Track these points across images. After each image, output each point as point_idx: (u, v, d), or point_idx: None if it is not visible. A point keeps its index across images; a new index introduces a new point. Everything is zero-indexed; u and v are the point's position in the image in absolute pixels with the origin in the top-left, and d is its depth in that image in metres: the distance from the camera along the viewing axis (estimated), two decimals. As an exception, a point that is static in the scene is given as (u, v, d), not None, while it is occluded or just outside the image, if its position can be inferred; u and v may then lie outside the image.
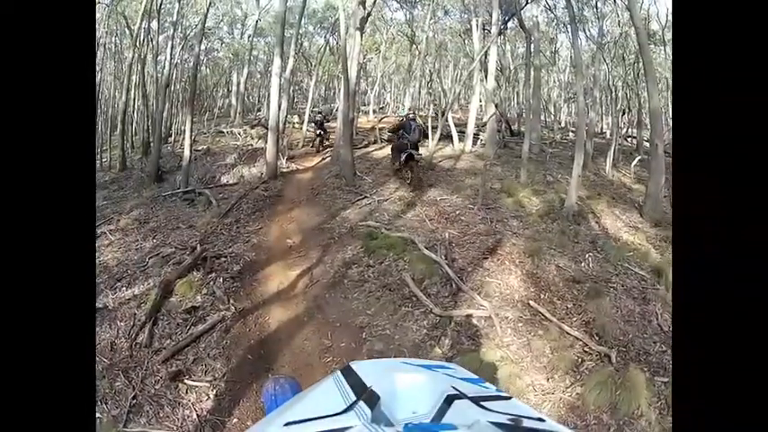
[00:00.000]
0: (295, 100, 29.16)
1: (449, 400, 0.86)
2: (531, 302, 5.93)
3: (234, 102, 25.85)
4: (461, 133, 16.10)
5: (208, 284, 6.47)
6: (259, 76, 30.04)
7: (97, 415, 4.26)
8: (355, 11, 12.57)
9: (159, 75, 18.09)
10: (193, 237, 8.27)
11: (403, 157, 10.44)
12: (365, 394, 0.86)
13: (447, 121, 15.66)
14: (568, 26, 15.22)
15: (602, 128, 23.80)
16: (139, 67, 16.71)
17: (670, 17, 17.74)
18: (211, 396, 4.67)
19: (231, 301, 6.19)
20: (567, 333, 5.40)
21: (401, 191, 10.48)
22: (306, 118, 19.79)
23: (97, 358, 4.88)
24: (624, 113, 21.26)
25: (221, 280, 6.64)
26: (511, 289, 6.34)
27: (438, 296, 6.17)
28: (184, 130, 13.51)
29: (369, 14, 13.62)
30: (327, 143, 16.65)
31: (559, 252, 7.24)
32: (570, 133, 21.57)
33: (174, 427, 4.32)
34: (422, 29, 19.33)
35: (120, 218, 9.68)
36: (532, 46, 15.76)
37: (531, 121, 14.90)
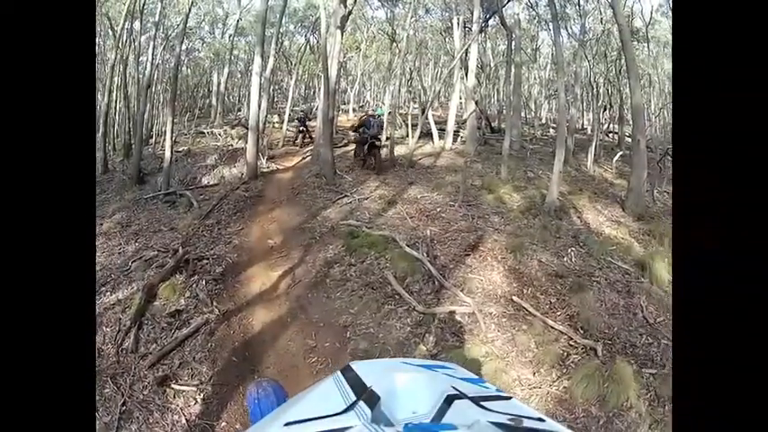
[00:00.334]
0: (275, 99, 28.92)
1: (449, 400, 0.86)
2: (515, 298, 6.00)
3: (214, 102, 25.55)
4: (441, 131, 16.17)
5: (191, 287, 6.46)
6: (239, 75, 29.77)
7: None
8: (336, 9, 12.54)
9: (141, 76, 17.88)
10: (175, 239, 8.23)
11: (366, 147, 12.01)
12: (365, 394, 0.86)
13: (427, 118, 15.67)
14: (550, 23, 15.29)
15: (582, 124, 23.97)
16: (121, 69, 16.50)
17: (654, 15, 18.01)
18: (199, 400, 4.68)
19: (214, 303, 6.20)
20: (552, 327, 5.46)
21: (381, 189, 10.52)
22: (286, 117, 19.74)
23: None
24: (605, 109, 21.39)
25: (204, 282, 6.63)
26: (494, 285, 6.39)
27: (421, 293, 6.21)
28: (165, 132, 13.39)
29: (350, 13, 13.62)
30: (309, 140, 16.76)
31: (541, 247, 7.30)
32: (551, 130, 21.73)
33: (164, 433, 4.34)
34: (402, 27, 19.25)
35: (103, 221, 9.57)
36: (513, 43, 15.89)
37: (511, 118, 14.96)
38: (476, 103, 16.07)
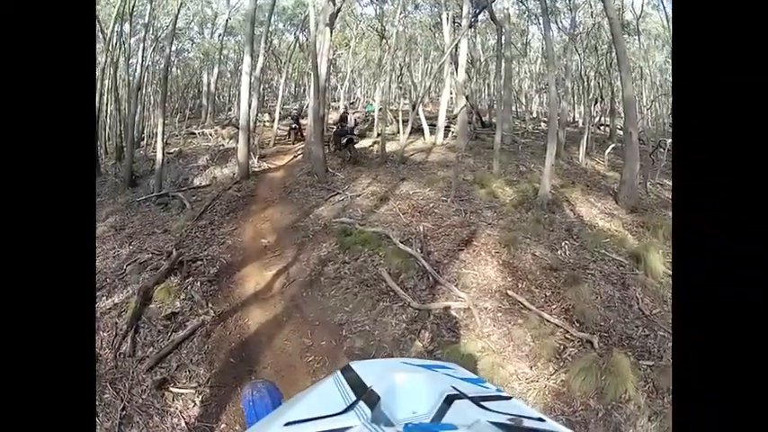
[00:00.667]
0: (265, 98, 28.83)
1: (449, 400, 0.86)
2: (510, 292, 6.01)
3: (205, 102, 25.46)
4: (432, 126, 16.24)
5: (186, 289, 6.47)
6: (229, 75, 29.60)
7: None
8: (325, 7, 12.56)
9: (131, 78, 17.75)
10: (169, 241, 8.21)
11: (344, 140, 13.40)
12: (365, 394, 0.87)
13: (418, 114, 15.71)
14: (540, 18, 15.28)
15: (574, 117, 24.01)
16: (112, 72, 16.38)
17: (645, 7, 18.01)
18: (197, 403, 4.69)
19: (210, 304, 6.21)
20: (548, 321, 5.48)
21: (374, 186, 10.55)
22: (276, 116, 19.71)
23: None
24: (596, 102, 21.43)
25: (199, 284, 6.64)
26: (488, 279, 6.41)
27: (415, 290, 6.23)
28: (156, 133, 13.35)
29: (339, 10, 13.58)
30: (302, 137, 16.86)
31: (535, 241, 7.33)
32: (542, 123, 21.78)
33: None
34: (392, 23, 19.20)
35: (97, 225, 9.54)
36: (503, 38, 15.84)
37: (502, 113, 15.00)
38: (466, 98, 16.11)
